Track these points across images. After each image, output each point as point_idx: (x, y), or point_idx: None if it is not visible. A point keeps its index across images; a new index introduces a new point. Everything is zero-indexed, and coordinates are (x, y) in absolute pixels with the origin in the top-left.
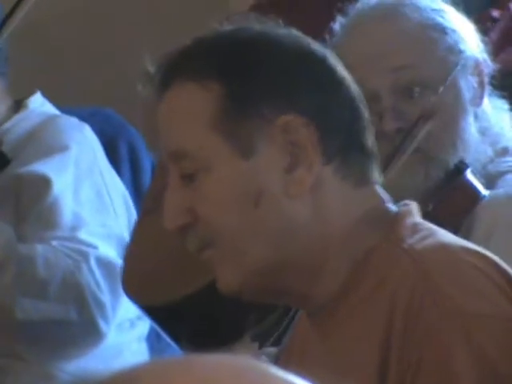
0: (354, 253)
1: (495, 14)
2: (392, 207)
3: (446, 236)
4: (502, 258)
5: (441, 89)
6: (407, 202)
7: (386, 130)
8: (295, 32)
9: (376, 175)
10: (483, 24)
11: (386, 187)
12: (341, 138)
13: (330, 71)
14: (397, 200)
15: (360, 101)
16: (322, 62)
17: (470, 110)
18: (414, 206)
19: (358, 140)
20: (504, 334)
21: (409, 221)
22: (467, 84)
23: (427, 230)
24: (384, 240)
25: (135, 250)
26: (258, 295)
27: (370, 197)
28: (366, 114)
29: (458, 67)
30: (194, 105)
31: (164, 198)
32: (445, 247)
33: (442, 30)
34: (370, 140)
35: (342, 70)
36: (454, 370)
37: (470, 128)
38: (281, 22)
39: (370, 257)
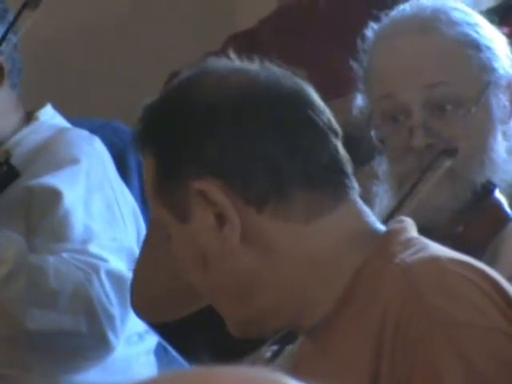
0: (341, 274)
1: (505, 30)
2: (379, 225)
3: (437, 249)
4: None
5: (473, 108)
6: (402, 218)
7: (415, 145)
8: (253, 71)
9: (350, 195)
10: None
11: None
12: (265, 183)
13: (257, 114)
14: (422, 219)
15: (321, 127)
16: (263, 103)
17: (499, 128)
18: (408, 222)
19: (300, 174)
20: (493, 343)
21: (402, 237)
22: (498, 102)
23: (420, 245)
24: (375, 256)
25: (144, 268)
26: (258, 335)
27: (343, 220)
28: (324, 141)
29: (491, 86)
30: (145, 176)
31: None
32: (435, 259)
33: (477, 47)
34: (326, 165)
35: (288, 103)
36: (443, 382)
37: (499, 147)
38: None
39: (360, 274)
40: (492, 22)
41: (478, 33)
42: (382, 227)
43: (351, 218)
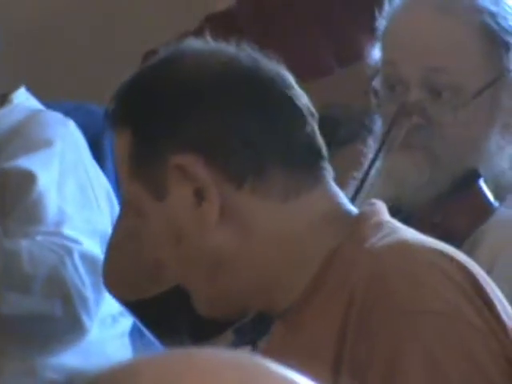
0: (313, 257)
1: None
2: (352, 208)
3: (407, 233)
4: (506, 279)
5: (470, 101)
6: (374, 201)
7: (402, 122)
8: (227, 48)
9: (324, 178)
10: None
11: (389, 177)
12: (246, 160)
13: (238, 92)
14: (398, 194)
15: (296, 107)
16: (229, 86)
17: (497, 126)
18: (380, 205)
19: (279, 153)
20: (454, 332)
21: (373, 220)
22: (501, 101)
23: (389, 229)
24: (346, 240)
25: (116, 245)
26: (228, 316)
27: (317, 201)
28: (300, 121)
29: (497, 83)
30: (117, 153)
31: None
32: (403, 244)
33: (493, 40)
34: (304, 146)
35: (264, 83)
36: (402, 368)
37: (491, 140)
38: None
39: (332, 258)
40: None
41: (499, 24)
42: (354, 210)
43: (326, 200)
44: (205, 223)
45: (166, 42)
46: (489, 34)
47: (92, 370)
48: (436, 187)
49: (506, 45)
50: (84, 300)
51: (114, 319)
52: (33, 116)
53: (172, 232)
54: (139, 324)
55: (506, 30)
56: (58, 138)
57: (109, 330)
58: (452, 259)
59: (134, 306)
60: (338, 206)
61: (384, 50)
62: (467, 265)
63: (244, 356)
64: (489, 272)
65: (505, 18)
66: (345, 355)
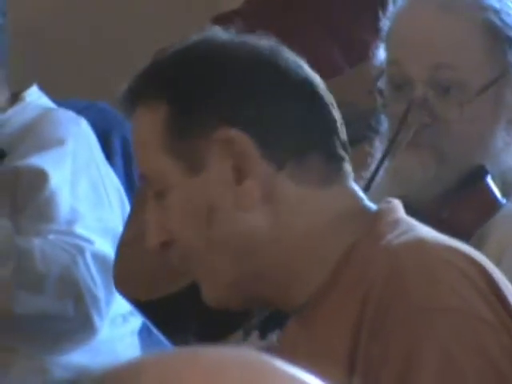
0: (332, 253)
1: None
2: (370, 205)
3: (424, 231)
4: None
5: (475, 97)
6: (390, 199)
7: (410, 121)
8: (252, 39)
9: (348, 175)
10: None
11: (396, 176)
12: (291, 142)
13: (283, 77)
14: (405, 192)
15: (328, 102)
16: (272, 70)
17: (503, 122)
18: (396, 203)
19: (319, 142)
20: (470, 329)
21: (390, 218)
22: (506, 97)
23: (406, 226)
24: (364, 237)
25: (127, 245)
26: (239, 306)
27: (340, 196)
28: (334, 115)
29: (503, 79)
30: (146, 129)
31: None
32: (420, 242)
33: (497, 37)
34: (336, 140)
35: (301, 73)
36: (418, 364)
37: (497, 136)
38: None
39: (349, 254)
40: None
41: (502, 21)
42: (372, 206)
43: (348, 194)
44: (243, 202)
45: (172, 42)
46: (492, 30)
47: (98, 369)
48: (442, 184)
49: (510, 41)
50: (95, 300)
51: (125, 318)
52: (45, 114)
53: (204, 209)
54: (148, 323)
55: (509, 27)
56: (71, 136)
57: (119, 329)
58: (467, 257)
59: (143, 305)
60: (358, 201)
61: (388, 49)
62: (482, 262)
63: (250, 354)
64: (496, 266)
65: (508, 15)
66: (359, 352)
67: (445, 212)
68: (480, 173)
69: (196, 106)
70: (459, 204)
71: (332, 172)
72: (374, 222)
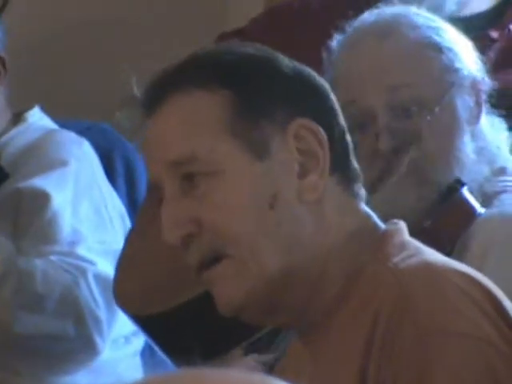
0: (348, 268)
1: (494, 34)
2: (380, 224)
3: (431, 255)
4: (496, 277)
5: (437, 109)
6: (396, 220)
7: (381, 149)
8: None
9: (362, 192)
10: (482, 43)
11: (376, 208)
12: (341, 149)
13: (320, 85)
14: (388, 219)
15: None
16: (313, 78)
17: (467, 129)
18: (402, 225)
19: (348, 155)
20: (480, 354)
21: (396, 239)
22: (464, 103)
23: (413, 249)
24: (371, 259)
25: (127, 260)
26: (258, 312)
27: (360, 212)
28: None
29: (454, 87)
30: (202, 110)
31: (161, 212)
32: (428, 265)
33: (439, 49)
34: (353, 158)
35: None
36: None
37: (466, 148)
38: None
39: (358, 274)
40: (482, 25)
41: (439, 35)
42: (381, 225)
43: (365, 211)
44: (308, 195)
45: (178, 60)
46: (433, 45)
47: None
48: (425, 202)
49: (450, 51)
50: (97, 321)
51: (127, 339)
52: (47, 135)
53: (265, 196)
54: (150, 341)
55: (447, 40)
56: (73, 157)
57: (121, 350)
58: (473, 280)
59: (144, 321)
60: (370, 219)
61: (341, 93)
62: (488, 285)
63: (256, 377)
64: (479, 269)
65: (443, 30)
66: (369, 374)
67: (426, 223)
68: (456, 185)
69: (265, 95)
70: (438, 217)
71: (356, 187)
72: (381, 243)
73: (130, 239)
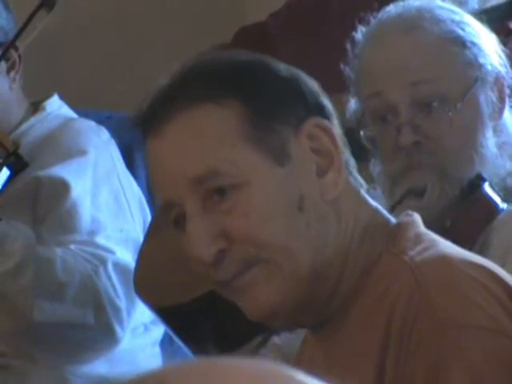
0: (362, 262)
1: None
2: (389, 216)
3: (447, 247)
4: None
5: (459, 104)
6: (409, 212)
7: (403, 143)
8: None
9: (361, 180)
10: (501, 35)
11: (399, 204)
12: (342, 142)
13: (311, 83)
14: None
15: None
16: (304, 78)
17: (489, 124)
18: (416, 217)
19: (346, 146)
20: (498, 347)
21: (411, 232)
22: (487, 99)
23: (429, 241)
24: (386, 251)
25: (148, 252)
26: (287, 314)
27: (369, 205)
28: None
29: (478, 82)
30: (216, 123)
31: (188, 231)
32: (444, 258)
33: (462, 44)
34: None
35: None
36: (445, 381)
37: (488, 142)
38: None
39: (372, 268)
40: (504, 16)
41: (463, 30)
42: (392, 219)
43: (372, 205)
44: (330, 193)
45: (197, 53)
46: (457, 39)
47: (118, 378)
48: (447, 198)
49: (474, 46)
50: (117, 309)
51: (146, 328)
52: (66, 124)
53: (292, 199)
54: (169, 331)
55: (472, 34)
56: (92, 146)
57: (140, 338)
58: (491, 273)
59: (164, 312)
60: (379, 212)
61: (364, 86)
62: (505, 278)
63: (271, 367)
64: (502, 267)
65: (467, 24)
66: (388, 367)
67: (447, 221)
68: (477, 181)
69: (274, 100)
70: (460, 213)
71: (359, 181)
72: (395, 236)
73: (150, 231)
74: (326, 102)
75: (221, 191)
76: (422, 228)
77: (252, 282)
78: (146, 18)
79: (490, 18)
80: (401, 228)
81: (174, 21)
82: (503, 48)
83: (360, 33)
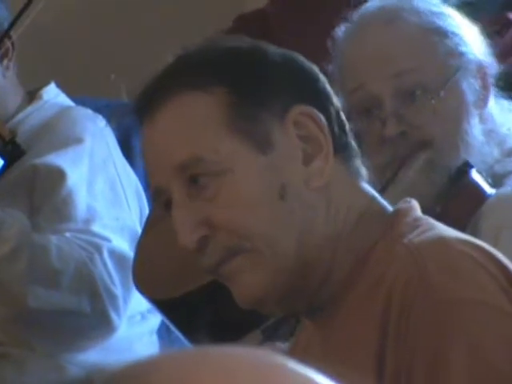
0: (356, 250)
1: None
2: (386, 205)
3: (445, 230)
4: (510, 256)
5: (442, 92)
6: (408, 199)
7: (388, 135)
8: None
9: (363, 170)
10: (499, 25)
11: (389, 195)
12: (339, 129)
13: (309, 69)
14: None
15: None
16: (301, 62)
17: (474, 112)
18: (414, 203)
19: (346, 133)
20: (498, 322)
21: (410, 217)
22: (469, 87)
23: (427, 225)
24: (383, 237)
25: (146, 244)
26: (276, 302)
27: (365, 193)
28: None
29: (460, 71)
30: (201, 111)
31: (172, 218)
32: (443, 240)
33: (443, 34)
34: (350, 135)
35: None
36: (446, 358)
37: (474, 130)
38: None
39: (370, 254)
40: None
41: (443, 20)
42: (389, 206)
43: (368, 192)
44: (315, 181)
45: (196, 40)
46: (437, 28)
47: (112, 366)
48: (436, 186)
49: (455, 35)
50: (113, 297)
51: (143, 317)
52: (63, 112)
53: (274, 188)
54: (167, 321)
55: (451, 24)
56: (88, 134)
57: (137, 327)
58: (487, 253)
59: (161, 303)
60: (375, 200)
61: (347, 80)
62: (502, 259)
63: (263, 355)
64: None
65: (446, 15)
66: (388, 351)
67: (437, 208)
68: (464, 168)
69: (260, 87)
70: (449, 200)
71: (360, 167)
72: (393, 222)
73: (148, 222)
74: (324, 86)
75: (203, 179)
76: (420, 213)
77: (237, 270)
78: (145, 5)
79: (485, 8)
80: (399, 214)
81: (173, 8)
82: (494, 39)
83: (341, 30)
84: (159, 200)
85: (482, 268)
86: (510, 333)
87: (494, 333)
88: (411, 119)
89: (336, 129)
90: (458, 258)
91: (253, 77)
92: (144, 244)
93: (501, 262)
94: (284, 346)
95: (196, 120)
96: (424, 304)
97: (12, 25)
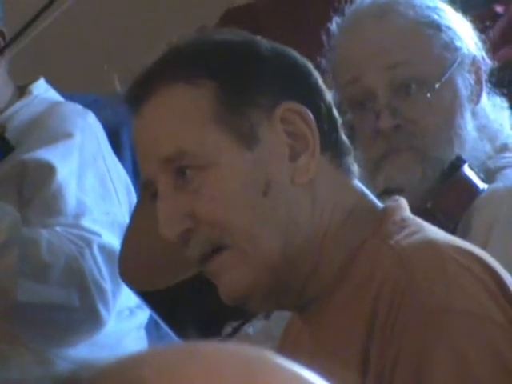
0: (345, 247)
1: (499, 9)
2: (377, 202)
3: (433, 232)
4: (502, 251)
5: (437, 85)
6: (396, 197)
7: (382, 127)
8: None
9: (355, 167)
10: (487, 19)
11: (380, 187)
12: (329, 126)
13: (302, 65)
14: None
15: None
16: (293, 57)
17: (468, 107)
18: (402, 201)
19: (338, 130)
20: (483, 332)
21: (397, 216)
22: (464, 81)
23: (415, 226)
24: (372, 236)
25: (133, 236)
26: (261, 298)
27: (355, 190)
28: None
29: (455, 64)
30: (188, 103)
31: (157, 209)
32: (430, 243)
33: (438, 27)
34: (342, 132)
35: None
36: (430, 366)
37: (467, 125)
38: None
39: (357, 253)
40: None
41: (438, 14)
42: (379, 203)
43: (359, 189)
44: (300, 178)
45: (186, 34)
46: (432, 22)
47: (100, 361)
48: (429, 181)
49: (449, 30)
50: (102, 292)
51: (132, 312)
52: (52, 108)
53: (258, 184)
54: (153, 315)
55: (446, 19)
56: (78, 129)
57: (126, 322)
58: (477, 259)
59: (148, 296)
60: (366, 197)
61: (341, 74)
62: (491, 264)
63: (251, 350)
64: (484, 245)
65: (441, 10)
66: (372, 352)
67: (428, 203)
68: (457, 163)
69: (249, 81)
70: (441, 194)
71: (351, 164)
72: (381, 221)
73: (135, 214)
74: (316, 82)
75: (189, 171)
76: (408, 213)
77: (222, 267)
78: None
79: (475, 2)
80: (386, 213)
81: (163, 3)
82: (486, 31)
83: (335, 24)
84: (148, 191)
85: (472, 275)
86: (498, 342)
87: (478, 343)
88: (406, 112)
89: (326, 126)
90: (445, 263)
91: (242, 72)
92: (130, 236)
93: (491, 267)
94: (251, 330)
95: (183, 113)
96: (410, 310)
97: (18, 36)
